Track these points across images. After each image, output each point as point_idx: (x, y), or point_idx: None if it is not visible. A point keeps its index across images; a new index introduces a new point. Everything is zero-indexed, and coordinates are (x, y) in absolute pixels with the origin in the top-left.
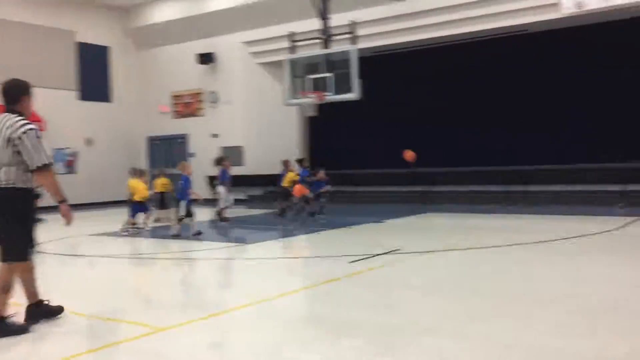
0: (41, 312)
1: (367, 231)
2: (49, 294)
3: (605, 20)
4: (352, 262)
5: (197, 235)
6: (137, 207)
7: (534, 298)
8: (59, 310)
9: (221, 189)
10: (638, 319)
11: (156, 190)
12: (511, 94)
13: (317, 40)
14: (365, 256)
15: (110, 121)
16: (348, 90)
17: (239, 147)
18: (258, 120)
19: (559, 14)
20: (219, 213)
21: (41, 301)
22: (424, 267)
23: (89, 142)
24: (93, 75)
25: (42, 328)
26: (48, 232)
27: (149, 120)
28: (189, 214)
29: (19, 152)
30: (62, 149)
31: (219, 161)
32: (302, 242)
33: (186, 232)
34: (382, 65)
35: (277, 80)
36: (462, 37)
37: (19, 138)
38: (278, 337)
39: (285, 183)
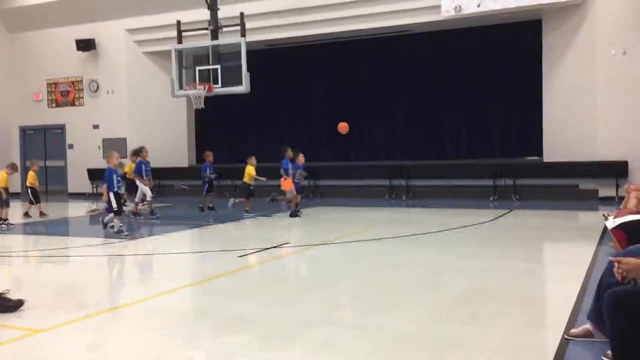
0: None
1: (256, 225)
2: None
3: (482, 24)
4: (241, 256)
5: (119, 233)
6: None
7: (425, 287)
8: None
9: (138, 182)
10: (512, 305)
11: (28, 185)
12: (397, 91)
13: (206, 31)
14: (254, 250)
15: None
16: (237, 82)
17: (123, 139)
18: (143, 112)
19: (439, 16)
20: (136, 205)
21: None
22: (313, 260)
23: None
24: None
25: None
26: None
27: (22, 109)
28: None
29: None
30: None
31: (136, 152)
32: (189, 237)
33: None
34: (273, 59)
35: (164, 71)
36: (349, 34)
37: None
38: (164, 333)
39: (245, 179)
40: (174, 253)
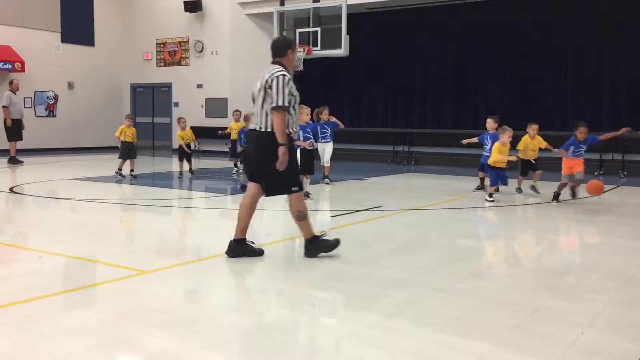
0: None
1: (349, 188)
2: (27, 236)
3: None
4: (334, 216)
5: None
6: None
7: (518, 258)
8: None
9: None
10: (610, 282)
11: (121, 139)
12: (501, 55)
13: None
14: (346, 212)
15: (92, 66)
16: (336, 45)
17: (224, 99)
18: (245, 73)
19: None
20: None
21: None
22: (401, 224)
23: (70, 85)
24: (76, 17)
25: (15, 269)
26: (28, 175)
27: (132, 67)
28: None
29: (269, 95)
30: (44, 92)
31: (317, 113)
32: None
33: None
34: (373, 22)
35: (266, 33)
36: None
37: (270, 81)
38: (256, 283)
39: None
40: (269, 210)
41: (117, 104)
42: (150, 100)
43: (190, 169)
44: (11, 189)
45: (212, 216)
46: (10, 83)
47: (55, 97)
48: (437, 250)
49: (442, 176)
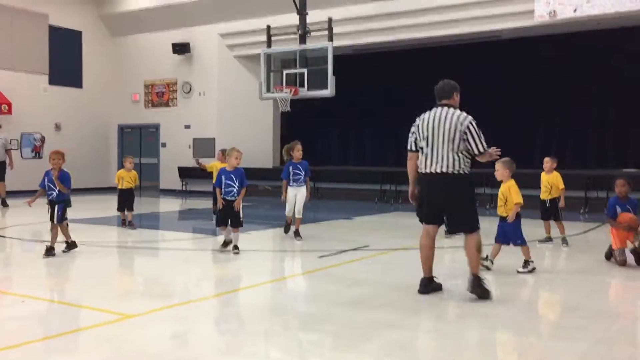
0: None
1: (337, 228)
2: (10, 281)
3: (576, 30)
4: (322, 257)
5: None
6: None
7: (504, 297)
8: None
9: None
10: (595, 321)
11: (119, 186)
12: (486, 96)
13: (294, 35)
14: (334, 252)
15: (80, 107)
16: (323, 86)
17: (211, 139)
18: (232, 113)
19: (532, 21)
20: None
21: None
22: (390, 264)
23: (57, 127)
24: (64, 59)
25: (2, 313)
26: (13, 217)
27: (120, 108)
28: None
29: (465, 141)
30: (30, 133)
31: (288, 150)
32: (270, 236)
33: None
34: (359, 63)
35: (253, 74)
36: (437, 40)
37: (467, 127)
38: (240, 327)
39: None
40: (255, 250)
41: (104, 145)
42: (138, 141)
43: (129, 221)
44: None
45: (198, 257)
46: None
47: (42, 139)
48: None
49: None
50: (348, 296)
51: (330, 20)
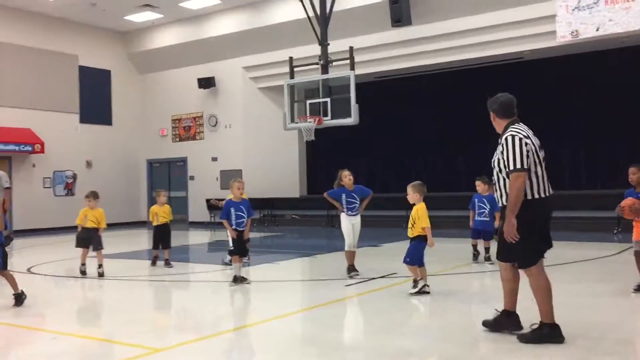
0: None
1: (365, 255)
2: (43, 317)
3: (601, 49)
4: (348, 285)
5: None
6: None
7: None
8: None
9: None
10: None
11: (154, 223)
12: None
13: (316, 66)
14: (362, 280)
15: (110, 144)
16: (346, 115)
17: (238, 170)
18: (257, 144)
19: (554, 42)
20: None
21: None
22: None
23: (88, 164)
24: (94, 98)
25: (29, 351)
26: (46, 254)
27: (148, 143)
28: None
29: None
30: (62, 171)
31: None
32: (298, 265)
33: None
34: (381, 90)
35: (277, 105)
36: (459, 64)
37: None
38: (272, 357)
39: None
40: (284, 281)
41: (134, 180)
42: (166, 175)
43: (166, 259)
44: (29, 269)
45: (228, 289)
46: None
47: (74, 176)
48: (451, 319)
49: (457, 240)
50: (377, 324)
51: (351, 49)
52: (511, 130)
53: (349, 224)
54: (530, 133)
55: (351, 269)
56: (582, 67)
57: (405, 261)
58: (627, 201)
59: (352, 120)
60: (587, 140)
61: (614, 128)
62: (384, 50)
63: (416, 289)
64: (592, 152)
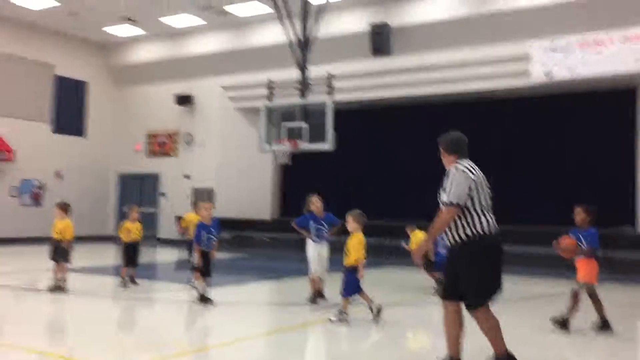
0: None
1: (334, 281)
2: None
3: (572, 91)
4: (315, 311)
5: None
6: None
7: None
8: None
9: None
10: None
11: (125, 239)
12: (480, 155)
13: (295, 90)
14: (330, 305)
15: (82, 155)
16: (322, 140)
17: (211, 189)
18: (231, 164)
19: (528, 81)
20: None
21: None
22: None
23: (58, 175)
24: (69, 108)
25: None
26: (5, 265)
27: (122, 157)
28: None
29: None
30: (30, 180)
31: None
32: (265, 288)
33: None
34: (359, 118)
35: (254, 126)
36: (434, 97)
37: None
38: None
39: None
40: (249, 303)
41: (104, 194)
42: (138, 190)
43: (132, 277)
44: None
45: (193, 309)
46: None
47: (42, 186)
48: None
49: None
50: (335, 351)
51: (329, 75)
52: (455, 164)
53: (315, 252)
54: (476, 169)
55: (316, 295)
56: (555, 107)
57: (342, 294)
58: (564, 239)
59: (327, 146)
60: (548, 175)
61: (579, 168)
62: (363, 78)
63: (336, 319)
64: (558, 190)
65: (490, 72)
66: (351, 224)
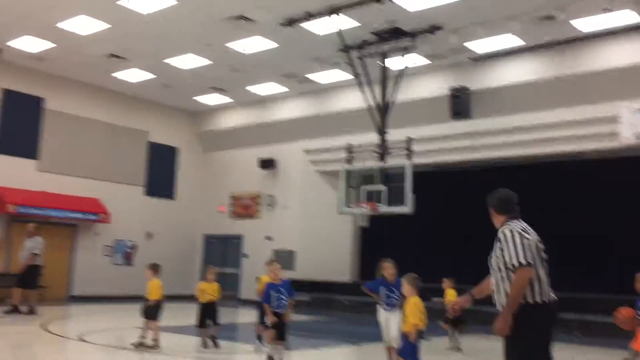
0: None
1: None
2: None
3: None
4: None
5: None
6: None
7: None
8: None
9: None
10: None
11: (200, 299)
12: (561, 218)
13: (374, 153)
14: None
15: (171, 217)
16: (401, 203)
17: (292, 251)
18: (312, 226)
19: (616, 143)
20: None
21: None
22: None
23: (149, 235)
24: (161, 173)
25: None
26: (97, 322)
27: (208, 219)
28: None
29: None
30: (123, 240)
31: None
32: (342, 353)
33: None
34: (440, 181)
35: (333, 189)
36: (516, 159)
37: None
38: None
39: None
40: None
41: (190, 254)
42: (221, 251)
43: (213, 336)
44: (81, 337)
45: None
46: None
47: (133, 246)
48: None
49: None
50: None
51: (409, 139)
52: (508, 225)
53: (383, 319)
54: (530, 229)
55: None
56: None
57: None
58: (625, 311)
59: (407, 209)
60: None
61: None
62: (443, 141)
63: None
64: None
65: (576, 133)
66: (406, 287)
